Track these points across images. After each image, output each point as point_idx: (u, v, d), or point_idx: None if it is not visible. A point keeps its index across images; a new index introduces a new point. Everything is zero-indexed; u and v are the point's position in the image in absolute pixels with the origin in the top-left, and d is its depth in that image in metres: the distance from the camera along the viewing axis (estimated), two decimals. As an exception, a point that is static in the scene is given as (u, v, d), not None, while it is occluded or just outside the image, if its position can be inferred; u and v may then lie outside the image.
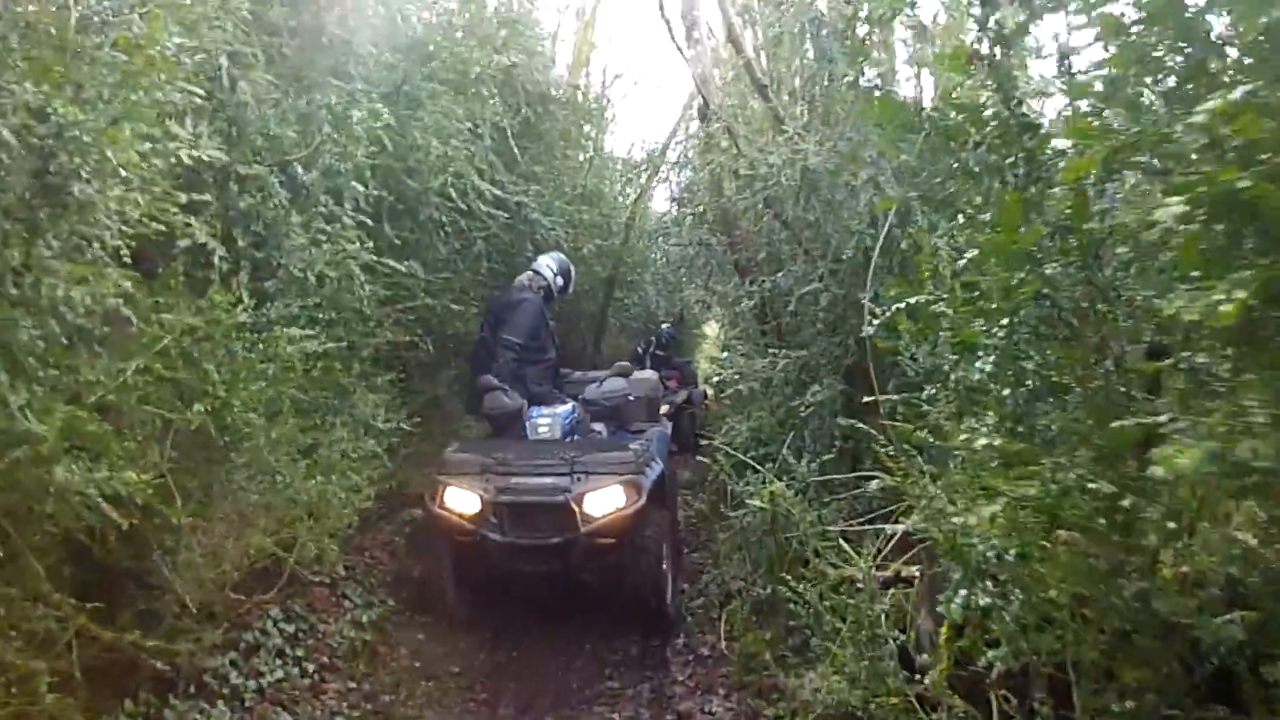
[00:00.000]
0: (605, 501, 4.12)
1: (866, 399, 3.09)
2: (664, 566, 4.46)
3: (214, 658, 3.88)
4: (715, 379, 11.91)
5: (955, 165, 2.10)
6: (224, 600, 3.61)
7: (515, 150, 6.44)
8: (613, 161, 11.25)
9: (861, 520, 3.94)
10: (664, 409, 6.91)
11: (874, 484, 4.13)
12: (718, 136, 6.19)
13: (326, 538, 4.23)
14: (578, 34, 11.04)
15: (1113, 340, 1.74)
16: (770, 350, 5.07)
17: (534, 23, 8.11)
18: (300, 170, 3.87)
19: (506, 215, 6.07)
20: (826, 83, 4.70)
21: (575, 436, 5.09)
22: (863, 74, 4.59)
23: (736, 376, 5.32)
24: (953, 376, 1.98)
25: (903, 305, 2.14)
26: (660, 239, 9.09)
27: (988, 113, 2.02)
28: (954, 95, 4.37)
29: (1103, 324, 1.73)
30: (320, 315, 4.01)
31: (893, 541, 3.46)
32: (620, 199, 11.64)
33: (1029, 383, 1.80)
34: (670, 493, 5.00)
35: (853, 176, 4.32)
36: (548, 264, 5.71)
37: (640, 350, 9.62)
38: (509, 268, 7.15)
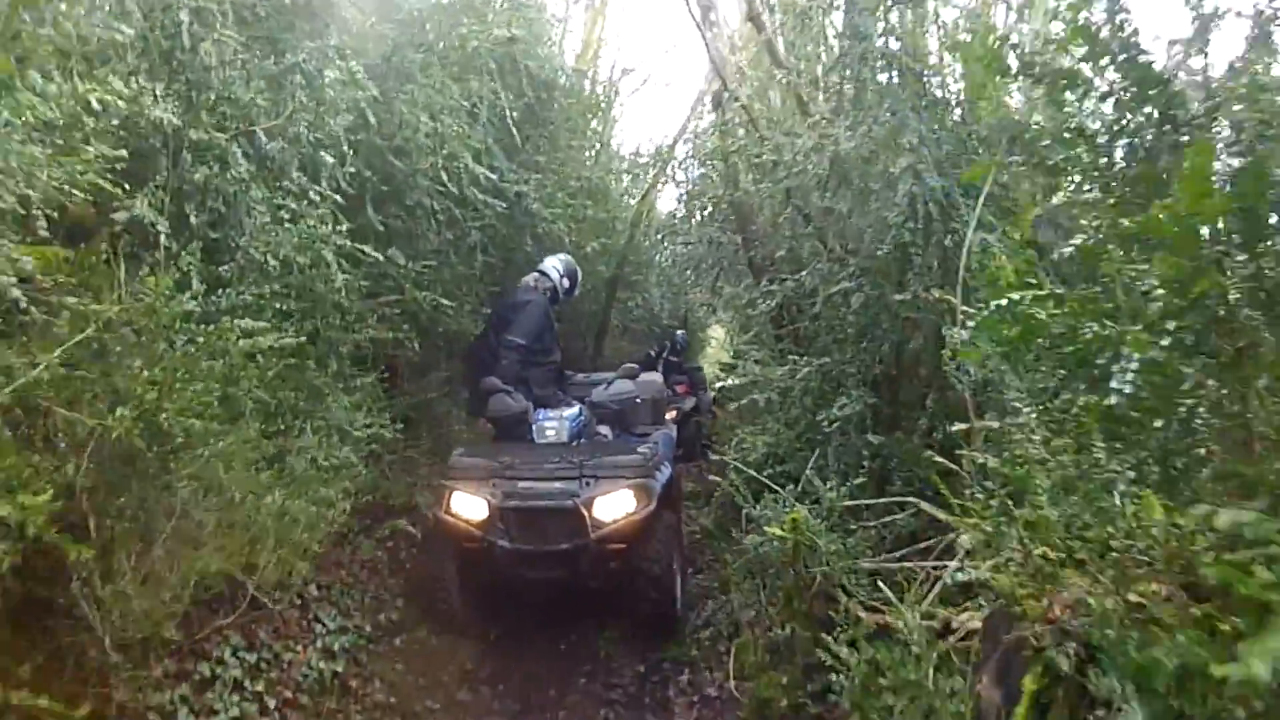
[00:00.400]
0: (616, 506, 4.00)
1: (957, 426, 2.58)
2: (674, 567, 4.34)
3: (161, 692, 3.41)
4: (719, 385, 11.73)
5: (1066, 124, 1.59)
6: (165, 632, 3.11)
7: (516, 136, 5.96)
8: (619, 160, 10.80)
9: (895, 555, 3.46)
10: (670, 414, 6.71)
11: (908, 512, 3.71)
12: (734, 125, 5.72)
13: (295, 557, 3.76)
14: (586, 25, 10.62)
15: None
16: (790, 357, 4.59)
17: (540, 5, 7.65)
18: (265, 139, 3.39)
19: (504, 205, 5.59)
20: (858, 62, 4.21)
21: (582, 440, 4.92)
22: (899, 51, 4.11)
23: (751, 385, 4.85)
24: (1069, 398, 1.49)
25: (992, 308, 1.65)
26: (667, 238, 8.58)
27: (1118, 57, 1.52)
28: (984, 90, 3.97)
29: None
30: (286, 306, 3.53)
31: (936, 586, 2.97)
32: (626, 198, 11.28)
33: (1183, 409, 1.32)
34: (677, 496, 4.97)
35: (890, 164, 3.84)
36: (554, 265, 5.60)
37: (653, 354, 9.32)
38: (507, 262, 6.67)
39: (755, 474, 4.15)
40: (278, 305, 3.41)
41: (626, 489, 4.01)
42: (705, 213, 6.13)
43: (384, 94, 4.25)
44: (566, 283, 5.59)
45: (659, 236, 8.96)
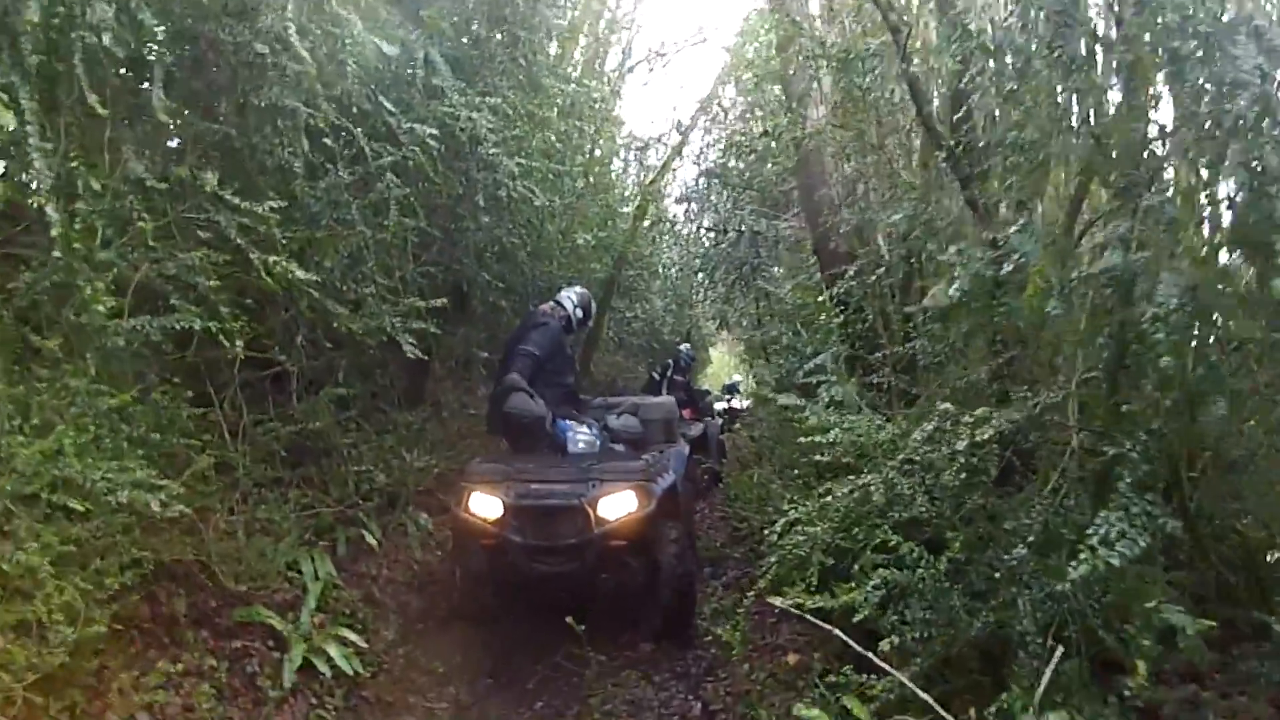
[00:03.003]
0: (618, 505, 4.27)
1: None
2: (689, 569, 4.60)
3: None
4: (723, 405, 10.12)
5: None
6: None
7: (475, 57, 3.99)
8: (625, 146, 8.91)
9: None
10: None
11: None
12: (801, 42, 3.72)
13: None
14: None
15: None
16: (904, 397, 2.56)
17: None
18: None
19: (437, 139, 3.59)
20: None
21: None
22: None
23: (826, 441, 2.84)
24: None
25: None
26: (679, 224, 6.70)
27: None
28: None
29: None
30: None
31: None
32: (628, 190, 9.43)
33: None
34: (686, 509, 5.28)
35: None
36: (569, 296, 5.53)
37: (657, 375, 8.58)
38: (455, 231, 4.70)
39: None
40: None
41: (629, 489, 4.28)
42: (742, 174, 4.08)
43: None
44: (580, 313, 5.51)
45: (683, 206, 6.99)
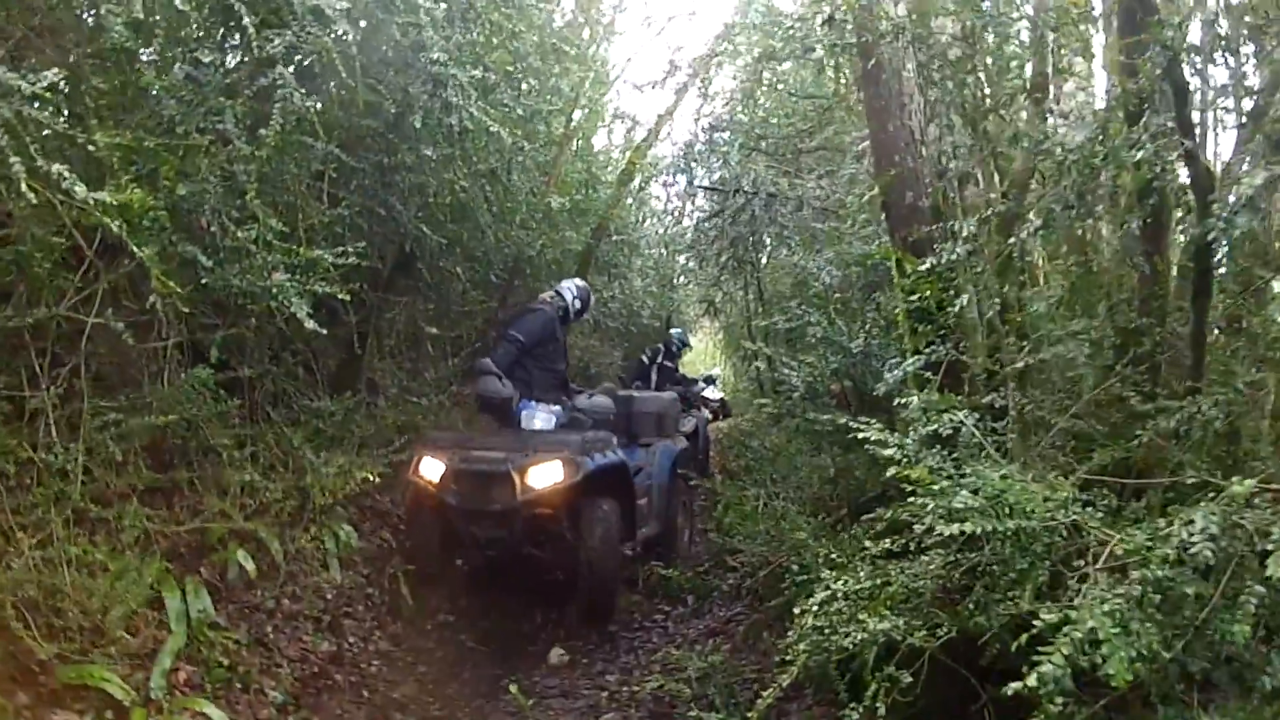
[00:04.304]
0: (545, 475, 4.37)
1: None
2: (613, 553, 4.64)
3: None
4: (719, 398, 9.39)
5: None
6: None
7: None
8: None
9: None
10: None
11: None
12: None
13: None
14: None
15: None
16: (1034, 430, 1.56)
17: None
18: None
19: (351, 18, 2.50)
20: None
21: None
22: None
23: (939, 506, 1.84)
24: None
25: None
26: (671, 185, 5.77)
27: None
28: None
29: None
30: None
31: None
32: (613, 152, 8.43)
33: None
34: (671, 505, 5.50)
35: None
36: (569, 287, 5.59)
37: (645, 360, 8.14)
38: (384, 180, 3.62)
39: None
40: None
41: (556, 460, 4.37)
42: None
43: None
44: (578, 304, 5.61)
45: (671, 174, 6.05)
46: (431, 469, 4.51)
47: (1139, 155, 1.82)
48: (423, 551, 4.71)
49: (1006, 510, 1.56)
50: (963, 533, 1.53)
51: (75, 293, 2.86)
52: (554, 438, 4.67)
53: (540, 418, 5.04)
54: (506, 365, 5.01)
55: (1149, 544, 1.51)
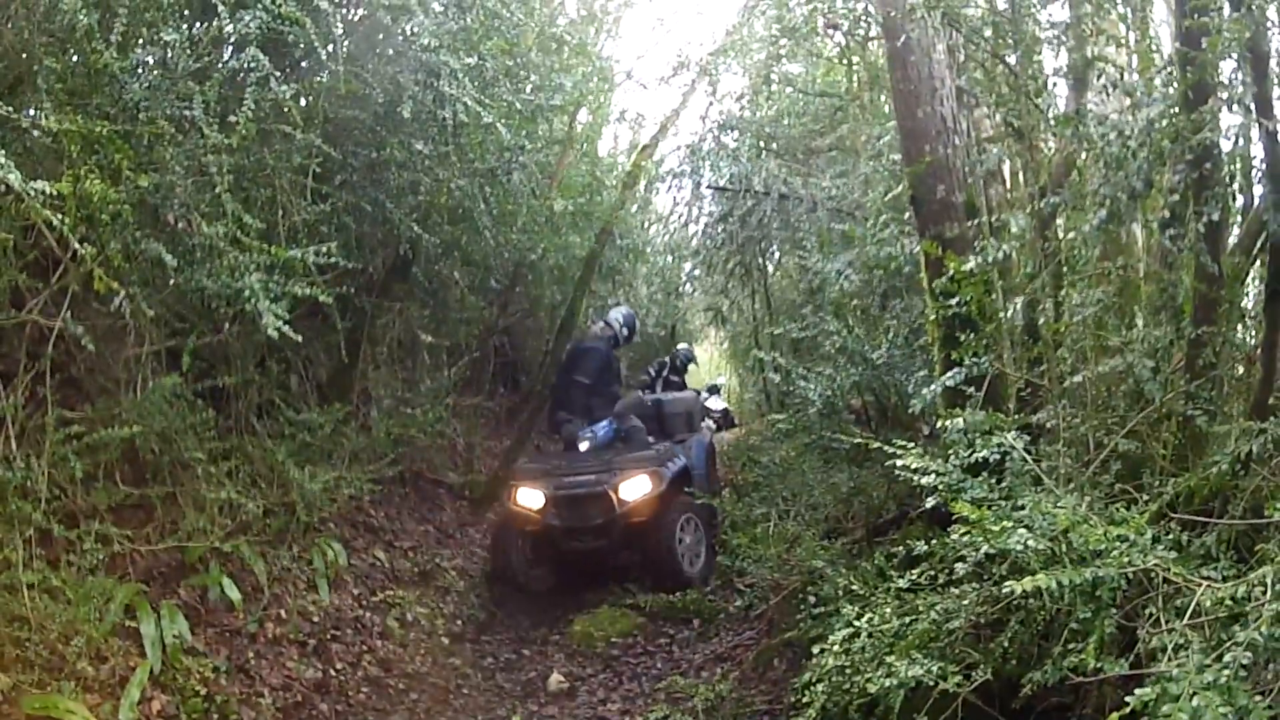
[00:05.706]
0: (636, 488, 5.13)
1: None
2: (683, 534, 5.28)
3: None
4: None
5: None
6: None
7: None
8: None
9: None
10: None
11: None
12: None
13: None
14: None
15: None
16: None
17: None
18: None
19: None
20: None
21: (618, 441, 5.88)
22: None
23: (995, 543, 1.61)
24: None
25: None
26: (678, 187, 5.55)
27: None
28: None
29: None
30: None
31: None
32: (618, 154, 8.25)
33: None
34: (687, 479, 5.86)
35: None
36: (616, 317, 6.29)
37: (652, 373, 8.11)
38: (375, 178, 3.41)
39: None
40: None
41: (644, 475, 5.15)
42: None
43: None
44: (626, 332, 6.31)
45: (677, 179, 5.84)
46: (530, 498, 5.20)
47: (1201, 138, 1.61)
48: (508, 570, 5.33)
49: (1072, 551, 1.34)
50: (1038, 589, 1.30)
51: (50, 296, 2.67)
52: (632, 455, 5.40)
53: (585, 439, 5.76)
54: (580, 408, 5.89)
55: (1243, 595, 1.28)
